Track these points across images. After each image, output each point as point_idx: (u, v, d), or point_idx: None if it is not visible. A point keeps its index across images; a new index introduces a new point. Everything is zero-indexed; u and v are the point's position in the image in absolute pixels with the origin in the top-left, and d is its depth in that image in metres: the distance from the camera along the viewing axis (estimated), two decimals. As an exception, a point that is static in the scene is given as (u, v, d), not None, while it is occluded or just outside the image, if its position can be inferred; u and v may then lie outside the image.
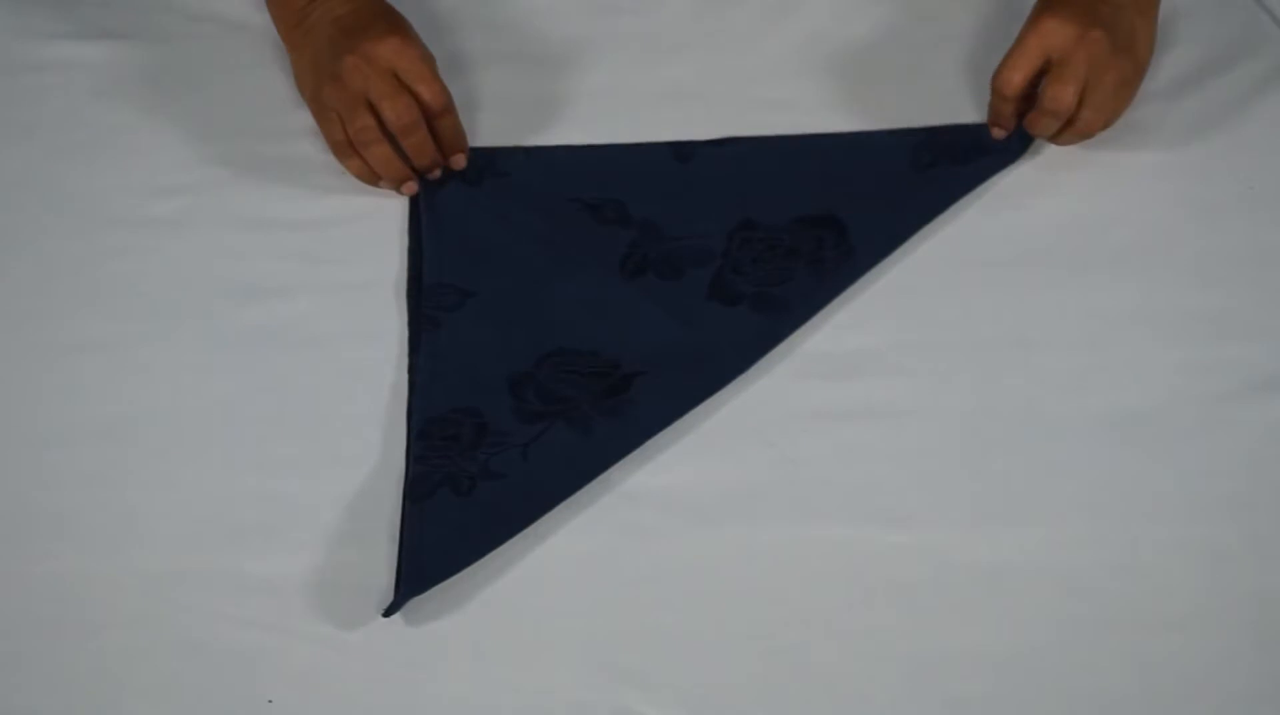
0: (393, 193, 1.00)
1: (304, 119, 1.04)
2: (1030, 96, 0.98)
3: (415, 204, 0.99)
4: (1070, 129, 0.97)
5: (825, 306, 0.93)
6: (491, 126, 1.04)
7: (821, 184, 0.99)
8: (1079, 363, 0.90)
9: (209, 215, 1.00)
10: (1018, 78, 0.97)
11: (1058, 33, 0.95)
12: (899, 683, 0.79)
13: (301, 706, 0.79)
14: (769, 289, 0.93)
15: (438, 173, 1.00)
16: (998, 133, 1.00)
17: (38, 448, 0.89)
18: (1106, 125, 0.98)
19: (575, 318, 0.93)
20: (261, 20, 1.11)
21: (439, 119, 0.99)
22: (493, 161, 1.02)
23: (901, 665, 0.79)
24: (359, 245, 0.98)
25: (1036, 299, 0.94)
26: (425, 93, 0.97)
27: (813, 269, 0.94)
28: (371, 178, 1.00)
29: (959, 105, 1.04)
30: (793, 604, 0.81)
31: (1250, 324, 0.92)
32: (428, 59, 0.98)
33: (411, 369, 0.91)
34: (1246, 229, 0.97)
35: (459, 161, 1.00)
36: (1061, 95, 0.95)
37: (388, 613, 0.80)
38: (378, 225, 0.99)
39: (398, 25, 0.99)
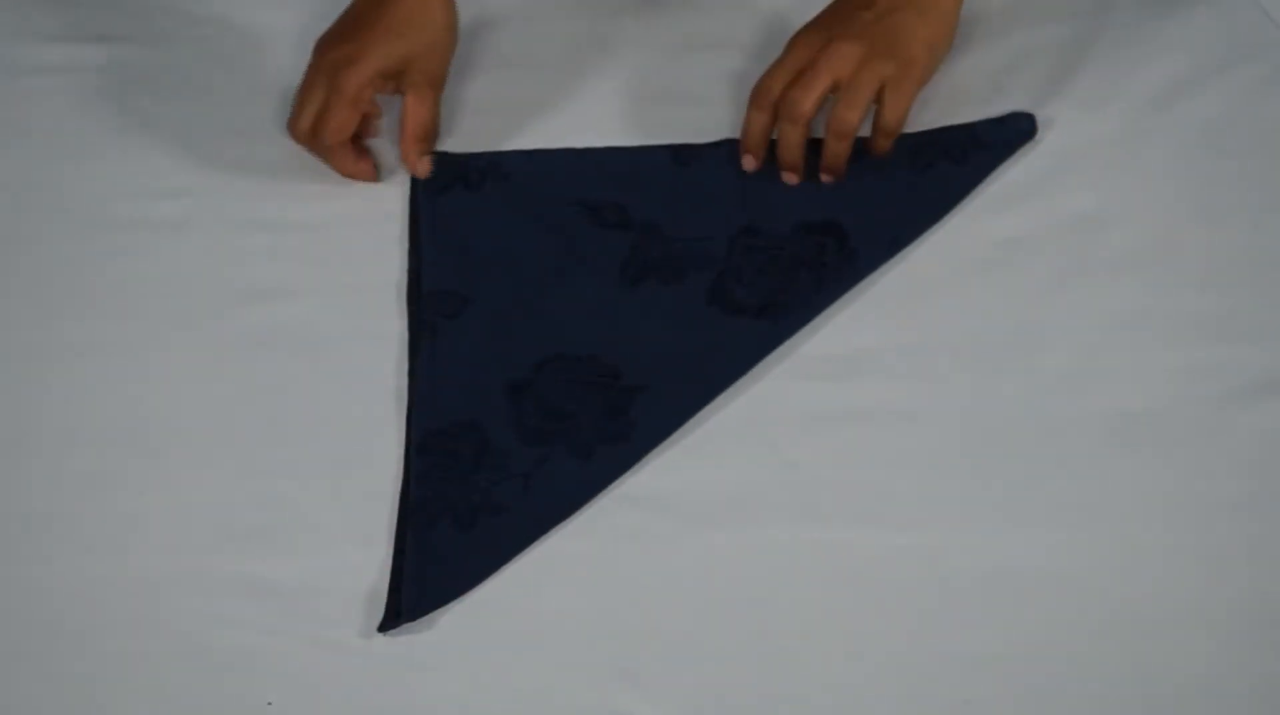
0: (402, 186, 1.01)
1: (304, 121, 1.04)
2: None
3: (414, 208, 1.00)
4: (832, 132, 0.97)
5: (825, 310, 0.93)
6: (492, 130, 1.04)
7: (822, 187, 0.99)
8: (1079, 364, 0.90)
9: (209, 217, 1.00)
10: (774, 88, 0.98)
11: (804, 45, 0.98)
12: (898, 685, 0.79)
13: (301, 709, 0.79)
14: (770, 298, 0.93)
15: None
16: (749, 161, 0.99)
17: (37, 451, 0.89)
18: (890, 128, 0.98)
19: (575, 323, 0.93)
20: (262, 21, 1.12)
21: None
22: (496, 164, 1.02)
23: (901, 668, 0.79)
24: (360, 247, 0.98)
25: (1036, 300, 0.94)
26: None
27: (814, 275, 0.94)
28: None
29: (958, 106, 1.03)
30: (792, 606, 0.81)
31: (1251, 326, 0.92)
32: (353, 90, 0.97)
33: (411, 377, 0.91)
34: (1247, 231, 0.96)
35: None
36: (797, 98, 0.96)
37: (383, 629, 0.81)
38: (378, 227, 0.99)
39: (365, 35, 0.98)
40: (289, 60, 1.08)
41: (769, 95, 0.98)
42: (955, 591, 0.82)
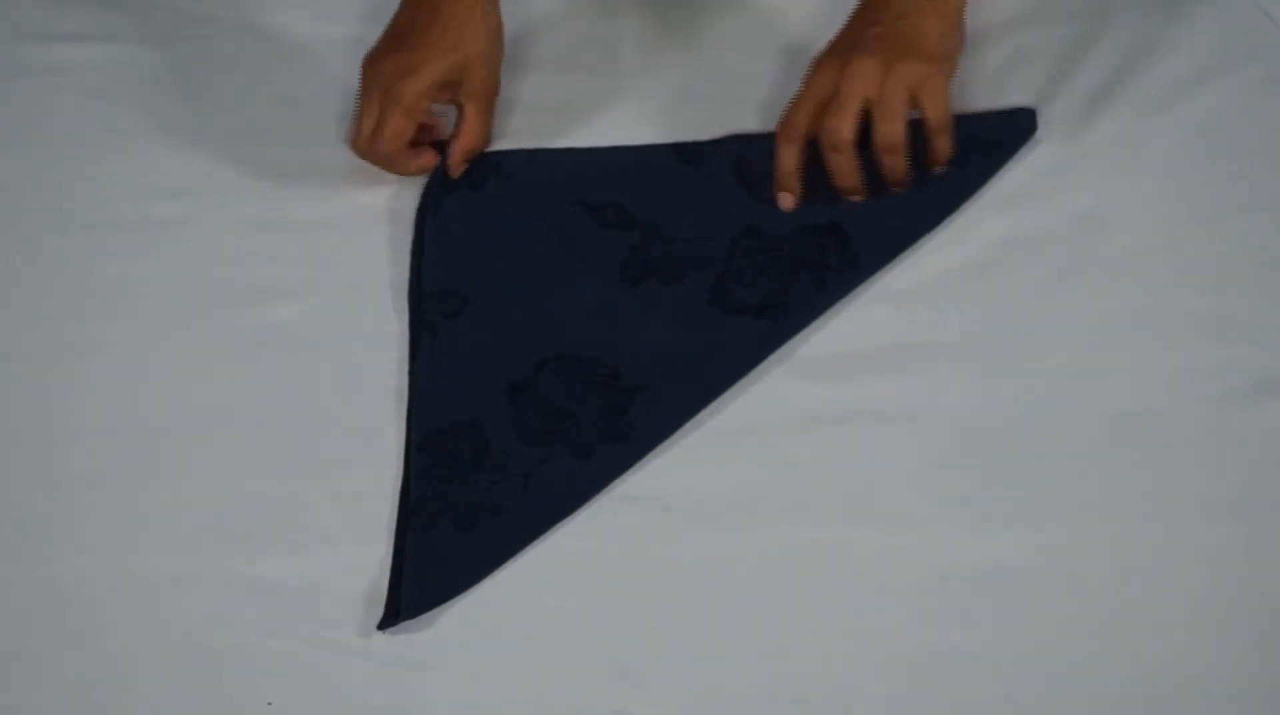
0: (400, 186, 1.01)
1: (305, 121, 1.04)
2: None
3: (423, 208, 1.00)
4: (883, 149, 0.96)
5: (825, 312, 0.93)
6: (509, 131, 1.04)
7: (825, 186, 0.98)
8: (1079, 365, 0.90)
9: (210, 217, 1.00)
10: (800, 120, 0.96)
11: (824, 70, 0.97)
12: (898, 685, 0.79)
13: (301, 709, 0.79)
14: (771, 299, 0.93)
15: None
16: (786, 199, 0.97)
17: (38, 450, 0.89)
18: (940, 125, 0.97)
19: (575, 323, 0.93)
20: (262, 22, 1.12)
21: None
22: (499, 164, 1.02)
23: (900, 668, 0.79)
24: (360, 247, 0.98)
25: (1036, 300, 0.93)
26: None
27: (815, 277, 0.94)
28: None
29: (958, 106, 1.03)
30: (791, 606, 0.81)
31: (1251, 326, 0.91)
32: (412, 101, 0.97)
33: (411, 377, 0.91)
34: (1247, 231, 0.96)
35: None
36: (834, 126, 0.95)
37: (383, 626, 0.81)
38: (379, 227, 0.99)
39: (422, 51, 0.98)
40: (289, 61, 1.09)
41: (797, 129, 0.97)
42: (954, 591, 0.82)
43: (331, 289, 0.96)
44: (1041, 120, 1.02)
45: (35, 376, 0.92)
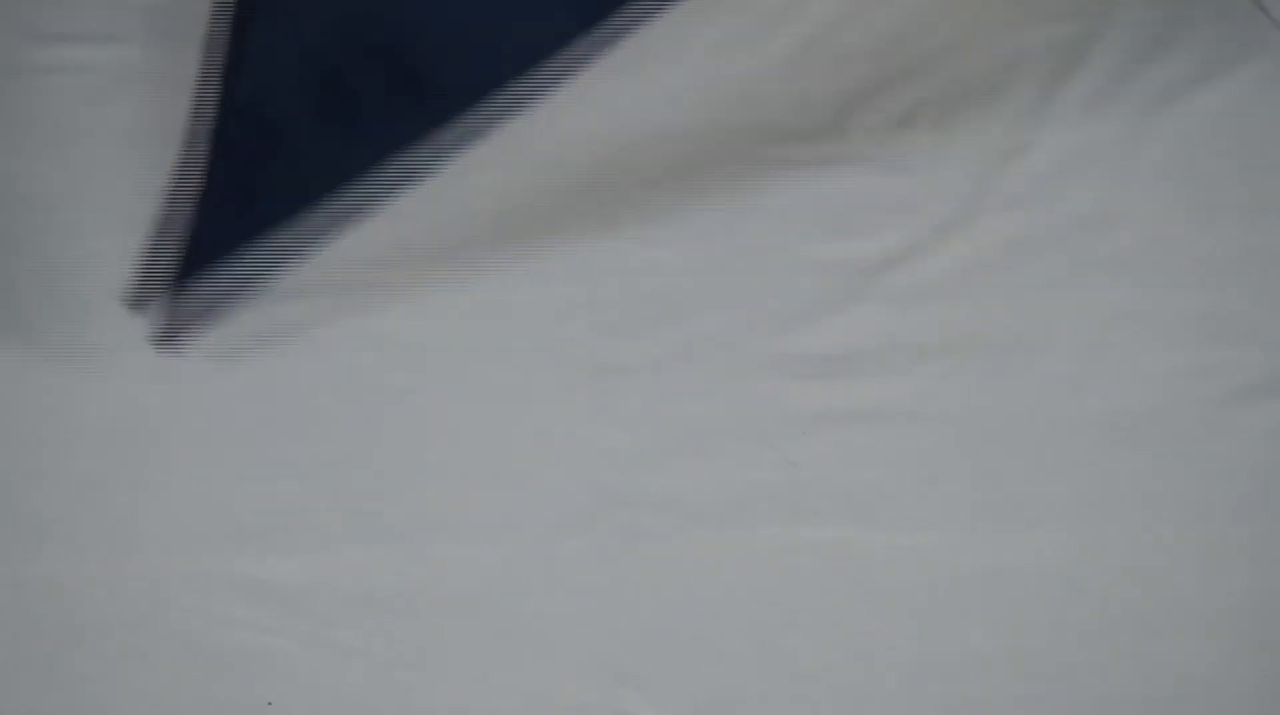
0: None
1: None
2: None
3: None
4: None
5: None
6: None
7: None
8: (1079, 365, 0.90)
9: (209, 217, 1.00)
10: None
11: None
12: (899, 685, 0.79)
13: (301, 709, 0.79)
14: None
15: None
16: None
17: (38, 450, 0.89)
18: None
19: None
20: (262, 22, 1.12)
21: None
22: None
23: (901, 667, 0.79)
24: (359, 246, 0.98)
25: (1036, 301, 0.94)
26: None
27: None
28: None
29: (957, 107, 1.04)
30: (792, 606, 0.82)
31: (1250, 327, 0.92)
32: None
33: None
34: (1246, 232, 0.97)
35: None
36: None
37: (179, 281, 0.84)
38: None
39: None
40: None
41: None
42: (954, 591, 0.82)
43: (331, 288, 0.96)
44: (1042, 120, 1.02)
45: (35, 376, 0.92)
